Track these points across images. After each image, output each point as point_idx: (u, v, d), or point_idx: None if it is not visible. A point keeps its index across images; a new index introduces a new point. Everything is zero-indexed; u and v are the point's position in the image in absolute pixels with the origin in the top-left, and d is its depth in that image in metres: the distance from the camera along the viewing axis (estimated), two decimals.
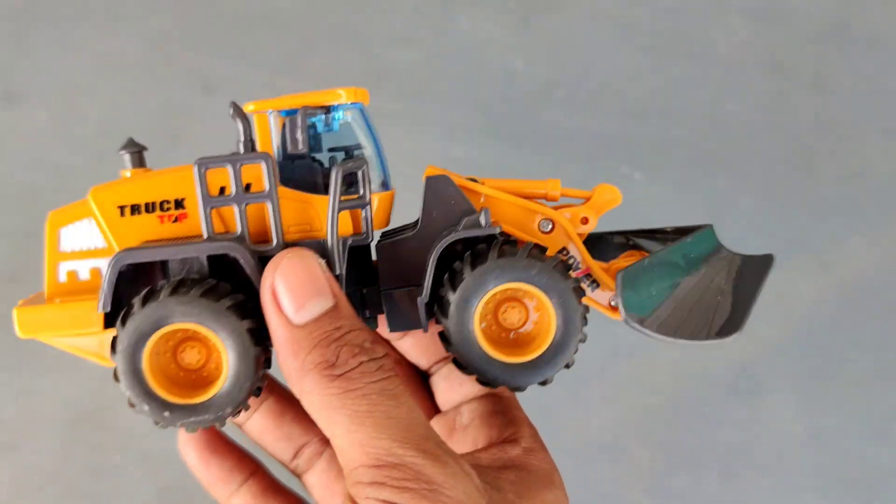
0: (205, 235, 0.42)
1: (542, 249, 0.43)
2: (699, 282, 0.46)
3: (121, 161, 0.46)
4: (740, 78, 0.93)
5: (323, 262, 0.40)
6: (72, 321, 0.43)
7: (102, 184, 0.45)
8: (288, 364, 0.38)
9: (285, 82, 0.94)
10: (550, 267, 0.41)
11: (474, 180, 0.45)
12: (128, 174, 0.45)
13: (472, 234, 0.42)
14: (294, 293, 0.38)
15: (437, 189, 0.44)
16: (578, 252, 0.45)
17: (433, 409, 0.53)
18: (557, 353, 0.42)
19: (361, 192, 0.43)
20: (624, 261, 0.48)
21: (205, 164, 0.41)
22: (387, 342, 0.52)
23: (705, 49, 0.93)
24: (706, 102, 0.94)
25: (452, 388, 0.50)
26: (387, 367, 0.38)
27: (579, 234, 0.46)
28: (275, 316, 0.38)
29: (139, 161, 0.46)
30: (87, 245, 0.44)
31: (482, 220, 0.42)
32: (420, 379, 0.54)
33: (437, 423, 0.51)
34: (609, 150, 0.93)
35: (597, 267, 0.45)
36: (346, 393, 0.36)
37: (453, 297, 0.42)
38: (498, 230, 0.43)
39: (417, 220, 0.45)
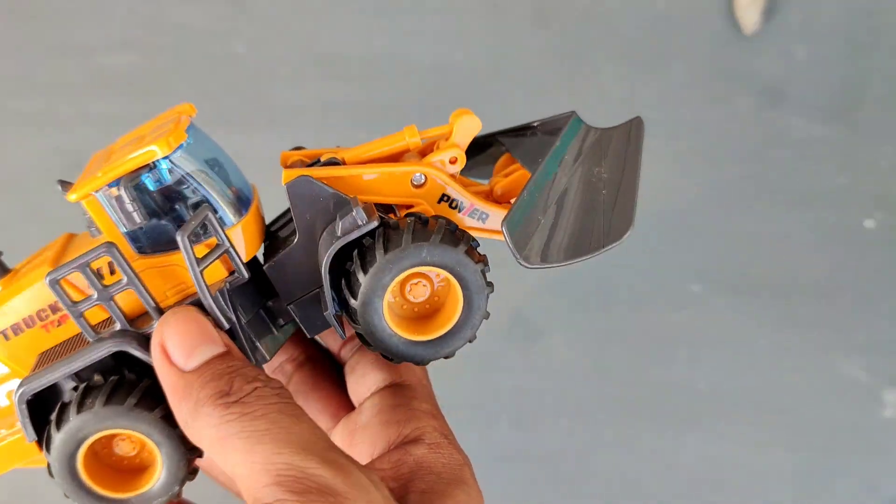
0: (89, 339, 0.41)
1: (424, 221, 0.42)
2: (583, 185, 0.44)
3: None
4: (461, 25, 0.94)
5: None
6: (14, 457, 0.44)
7: None
8: (181, 409, 0.37)
9: (14, 103, 0.93)
10: (437, 241, 0.40)
11: (335, 160, 0.43)
12: None
13: (353, 237, 0.40)
14: (183, 343, 0.38)
15: (301, 192, 0.41)
16: (458, 192, 0.44)
17: (349, 405, 0.51)
18: (471, 311, 0.42)
19: (218, 238, 0.41)
20: (502, 177, 0.47)
21: (55, 277, 0.40)
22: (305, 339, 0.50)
23: (421, 1, 0.93)
24: (433, 55, 0.94)
25: (358, 380, 0.48)
26: (284, 394, 0.37)
27: (452, 175, 0.44)
28: (165, 368, 0.38)
29: (2, 269, 0.44)
30: None
31: (357, 218, 0.40)
32: (337, 376, 0.52)
33: (343, 427, 0.49)
34: (344, 119, 0.93)
35: (480, 200, 0.44)
36: (243, 416, 0.35)
37: (357, 304, 0.41)
38: (376, 224, 0.40)
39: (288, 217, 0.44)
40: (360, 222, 0.40)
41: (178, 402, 0.37)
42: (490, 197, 0.45)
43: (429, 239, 0.40)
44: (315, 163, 0.44)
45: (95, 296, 0.40)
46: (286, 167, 0.43)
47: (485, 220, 0.44)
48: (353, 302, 0.41)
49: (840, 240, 0.94)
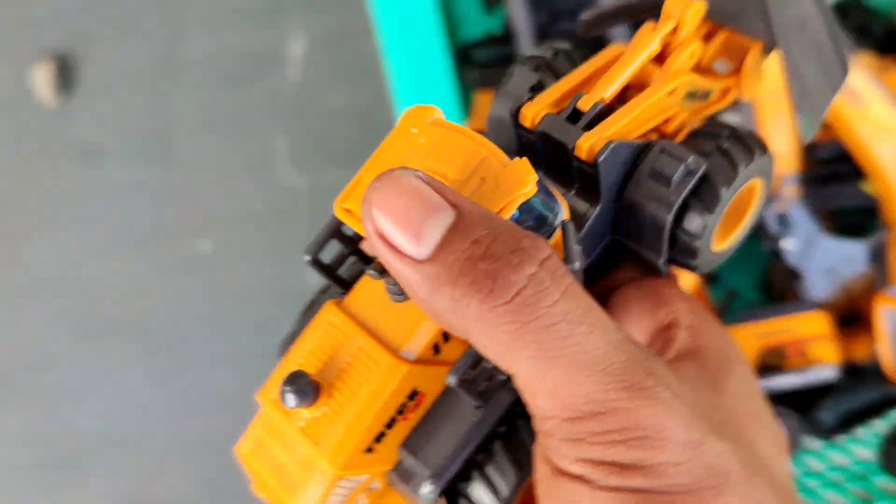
0: (475, 405, 0.34)
1: (736, 139, 0.38)
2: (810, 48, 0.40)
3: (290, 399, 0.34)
4: None
5: (420, 171, 0.29)
6: None
7: (325, 448, 0.33)
8: (438, 306, 0.28)
9: None
10: (759, 155, 0.37)
11: (602, 107, 0.35)
12: (322, 409, 0.34)
13: (692, 185, 0.36)
14: (404, 223, 0.28)
15: (610, 158, 0.35)
16: (702, 84, 0.39)
17: None
18: (763, 200, 0.41)
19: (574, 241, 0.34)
20: (702, 41, 0.40)
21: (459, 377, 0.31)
22: None
23: None
24: None
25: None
26: (559, 271, 0.28)
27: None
28: (396, 261, 0.28)
29: (314, 391, 0.34)
30: (356, 483, 0.37)
31: (691, 166, 0.35)
32: None
33: None
34: None
35: (708, 81, 0.40)
36: (524, 327, 0.27)
37: (699, 242, 0.37)
38: (705, 165, 0.36)
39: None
40: (693, 168, 0.35)
41: (430, 302, 0.28)
42: (700, 68, 0.41)
43: (752, 158, 0.37)
44: (573, 112, 0.36)
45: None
46: (537, 127, 0.35)
47: (706, 97, 0.41)
48: (696, 242, 0.36)
49: (185, 267, 0.99)
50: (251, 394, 1.10)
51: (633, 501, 0.27)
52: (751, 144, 0.37)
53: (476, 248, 0.27)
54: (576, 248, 0.32)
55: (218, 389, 0.97)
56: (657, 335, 0.35)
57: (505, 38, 0.73)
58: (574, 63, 0.38)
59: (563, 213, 0.33)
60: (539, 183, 0.31)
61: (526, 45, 0.64)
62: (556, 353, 0.27)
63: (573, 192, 0.36)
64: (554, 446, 0.28)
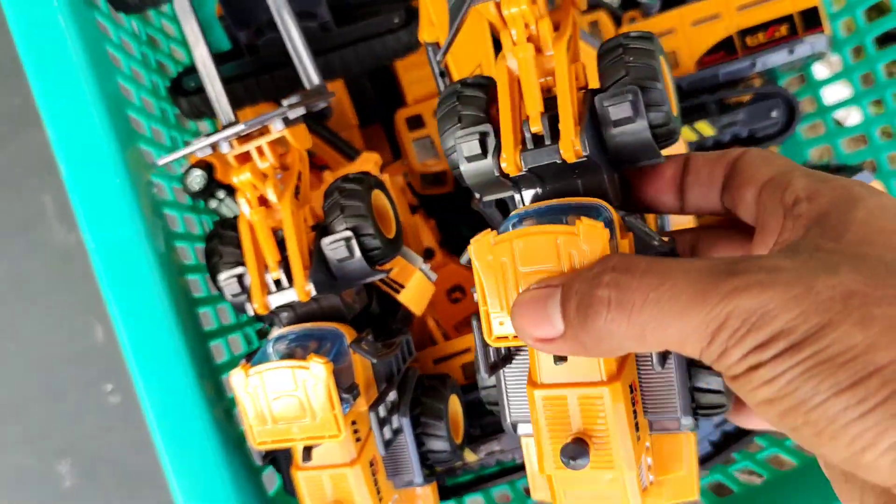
0: None
1: None
2: None
3: None
4: None
5: (527, 287, 0.37)
6: None
7: (619, 467, 0.41)
8: (587, 350, 0.36)
9: None
10: (653, 39, 0.41)
11: (551, 113, 0.41)
12: (595, 446, 0.41)
13: (643, 103, 0.40)
14: (539, 323, 0.36)
15: (590, 143, 0.40)
16: None
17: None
18: None
19: None
20: None
21: None
22: None
23: None
24: None
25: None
26: (630, 265, 0.34)
27: None
28: (549, 347, 0.37)
29: (585, 445, 0.40)
30: (643, 462, 0.44)
31: (632, 94, 0.39)
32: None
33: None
34: None
35: None
36: (630, 318, 0.33)
37: (672, 125, 0.41)
38: (636, 88, 0.39)
39: None
40: (634, 97, 0.39)
41: (578, 352, 0.36)
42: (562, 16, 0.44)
43: (651, 48, 0.41)
44: (535, 138, 0.41)
45: None
46: (524, 169, 0.41)
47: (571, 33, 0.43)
48: (670, 126, 0.41)
49: None
50: (54, 467, 1.12)
51: (794, 362, 0.29)
52: (642, 42, 0.41)
53: (577, 298, 0.35)
54: (645, 229, 0.39)
55: (20, 466, 0.94)
56: (786, 227, 0.37)
57: (223, 58, 0.70)
58: (476, 83, 0.43)
59: (612, 215, 0.39)
60: (599, 215, 0.38)
61: (209, 70, 0.58)
62: (658, 314, 0.32)
63: (581, 179, 0.41)
64: (720, 369, 0.32)
